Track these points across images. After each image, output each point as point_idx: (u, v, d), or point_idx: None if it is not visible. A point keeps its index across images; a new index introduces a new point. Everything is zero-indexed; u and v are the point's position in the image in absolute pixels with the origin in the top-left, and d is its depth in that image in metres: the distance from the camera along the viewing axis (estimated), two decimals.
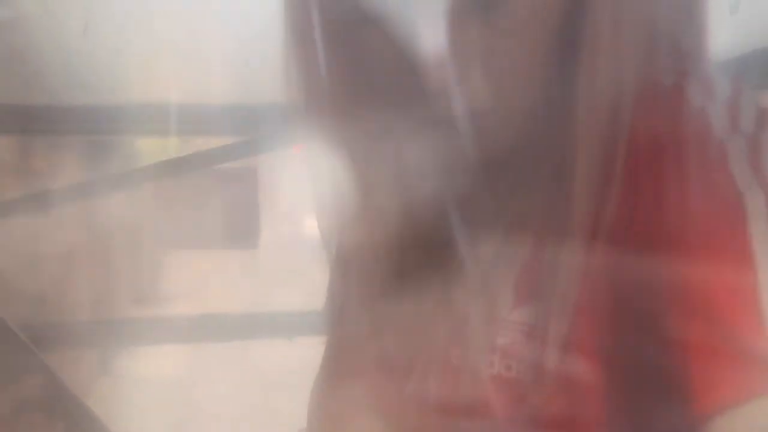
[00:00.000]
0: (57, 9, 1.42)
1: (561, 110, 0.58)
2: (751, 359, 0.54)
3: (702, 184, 0.57)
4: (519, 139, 0.61)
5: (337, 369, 0.69)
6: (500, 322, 0.60)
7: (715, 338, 0.54)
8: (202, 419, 1.60)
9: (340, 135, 0.65)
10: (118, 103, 1.44)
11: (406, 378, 0.64)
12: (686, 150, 0.57)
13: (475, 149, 0.60)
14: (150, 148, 1.52)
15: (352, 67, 0.62)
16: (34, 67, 1.46)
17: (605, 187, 0.57)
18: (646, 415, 0.58)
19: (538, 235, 0.60)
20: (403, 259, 0.65)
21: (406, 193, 0.63)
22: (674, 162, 0.57)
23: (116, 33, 1.44)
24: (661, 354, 0.56)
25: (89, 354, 1.56)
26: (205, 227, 1.54)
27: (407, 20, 0.58)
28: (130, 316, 1.56)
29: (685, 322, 0.55)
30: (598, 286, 0.57)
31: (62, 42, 1.44)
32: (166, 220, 1.50)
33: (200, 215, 1.53)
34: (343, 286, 0.69)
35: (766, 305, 0.53)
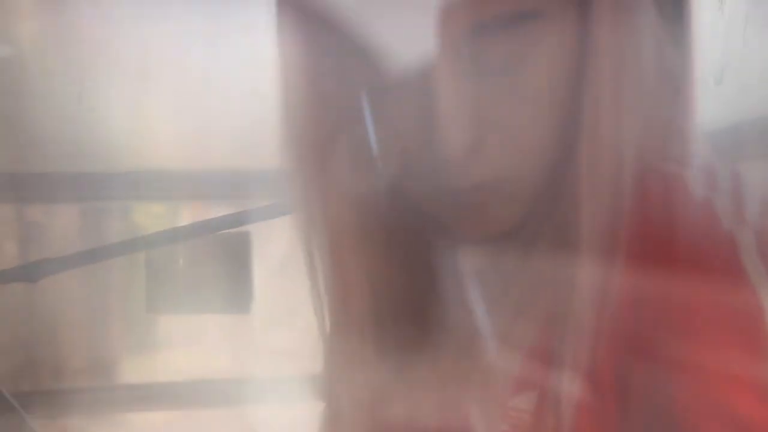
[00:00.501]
0: (51, 77, 1.44)
1: (565, 186, 0.59)
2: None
3: (715, 280, 0.56)
4: (526, 212, 0.61)
5: None
6: (501, 409, 0.60)
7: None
8: None
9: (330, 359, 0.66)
10: (113, 170, 1.45)
11: None
12: (695, 243, 0.57)
13: (485, 222, 0.61)
14: (147, 214, 1.53)
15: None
16: (29, 134, 1.47)
17: (610, 272, 0.57)
18: None
19: (544, 317, 0.60)
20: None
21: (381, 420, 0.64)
22: (683, 255, 0.57)
23: (111, 100, 1.45)
24: None
25: (81, 419, 1.55)
26: (197, 291, 1.54)
27: (421, 86, 0.59)
28: (123, 382, 1.56)
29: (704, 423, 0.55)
30: (606, 373, 0.57)
31: (57, 109, 1.45)
32: (158, 285, 1.51)
33: (192, 279, 1.53)
34: None
35: None
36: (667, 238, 0.57)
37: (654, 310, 0.56)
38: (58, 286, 1.39)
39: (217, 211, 1.50)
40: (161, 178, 1.46)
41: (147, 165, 1.47)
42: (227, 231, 1.53)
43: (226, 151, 1.47)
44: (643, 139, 0.58)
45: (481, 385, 0.62)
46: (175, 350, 1.61)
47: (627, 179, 0.57)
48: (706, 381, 0.54)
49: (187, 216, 1.54)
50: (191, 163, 1.50)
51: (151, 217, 1.54)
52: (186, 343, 1.61)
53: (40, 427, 1.31)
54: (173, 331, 1.61)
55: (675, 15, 0.65)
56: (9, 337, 1.45)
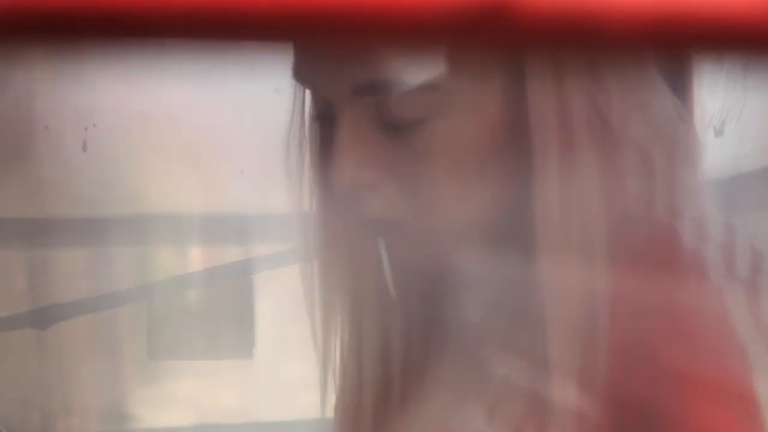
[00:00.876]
0: (56, 125, 1.45)
1: (524, 239, 0.58)
2: None
3: (701, 338, 0.55)
4: (474, 266, 0.61)
5: None
6: None
7: None
8: None
9: None
10: (118, 216, 1.46)
11: None
12: (683, 296, 0.56)
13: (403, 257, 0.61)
14: (154, 260, 1.54)
15: None
16: (35, 181, 1.48)
17: (590, 337, 0.55)
18: None
19: (526, 397, 0.59)
20: None
21: None
22: (665, 306, 0.56)
23: (115, 149, 1.46)
24: None
25: None
26: (200, 337, 1.54)
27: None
28: (127, 427, 1.56)
29: None
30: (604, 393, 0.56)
31: (61, 157, 1.46)
32: (161, 331, 1.51)
33: (195, 325, 1.53)
34: None
35: None
36: (652, 288, 0.57)
37: (638, 368, 0.55)
38: (66, 330, 1.40)
39: (226, 254, 1.52)
40: (169, 223, 1.47)
41: (155, 210, 1.48)
42: (232, 277, 1.54)
43: (234, 196, 1.48)
44: (643, 200, 0.58)
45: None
46: (176, 395, 1.61)
47: (600, 241, 0.56)
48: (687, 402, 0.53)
49: (195, 260, 1.55)
50: (199, 207, 1.51)
51: (159, 261, 1.55)
52: (194, 387, 1.61)
53: None
54: (181, 374, 1.61)
55: (675, 70, 0.66)
56: (18, 382, 1.45)
